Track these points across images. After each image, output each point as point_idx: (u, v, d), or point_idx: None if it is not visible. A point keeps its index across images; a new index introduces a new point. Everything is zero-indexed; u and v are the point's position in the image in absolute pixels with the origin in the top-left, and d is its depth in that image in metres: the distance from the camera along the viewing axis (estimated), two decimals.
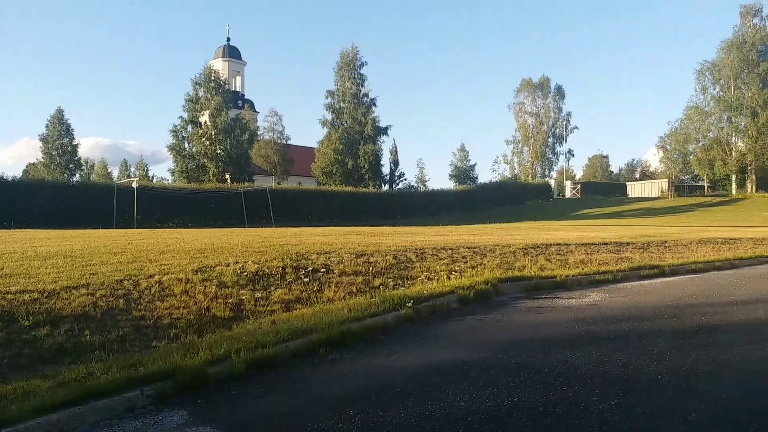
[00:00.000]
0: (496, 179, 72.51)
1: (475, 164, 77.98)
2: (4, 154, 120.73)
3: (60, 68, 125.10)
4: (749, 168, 63.30)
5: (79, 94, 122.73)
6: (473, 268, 11.22)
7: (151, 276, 8.52)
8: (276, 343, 5.72)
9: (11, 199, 26.62)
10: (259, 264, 9.86)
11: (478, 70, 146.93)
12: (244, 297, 8.15)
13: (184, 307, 7.46)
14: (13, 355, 5.50)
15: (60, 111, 59.62)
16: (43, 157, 59.00)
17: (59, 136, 58.63)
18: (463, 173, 72.85)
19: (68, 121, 59.78)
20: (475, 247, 13.58)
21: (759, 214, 44.09)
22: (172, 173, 48.93)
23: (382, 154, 54.56)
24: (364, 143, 51.83)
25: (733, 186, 65.21)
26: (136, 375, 4.60)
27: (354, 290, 9.00)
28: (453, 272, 10.65)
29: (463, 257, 12.24)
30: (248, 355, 5.25)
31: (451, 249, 13.09)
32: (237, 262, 9.90)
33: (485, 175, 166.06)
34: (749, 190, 62.88)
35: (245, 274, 9.19)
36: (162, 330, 6.69)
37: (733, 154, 62.82)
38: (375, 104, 54.01)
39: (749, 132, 60.85)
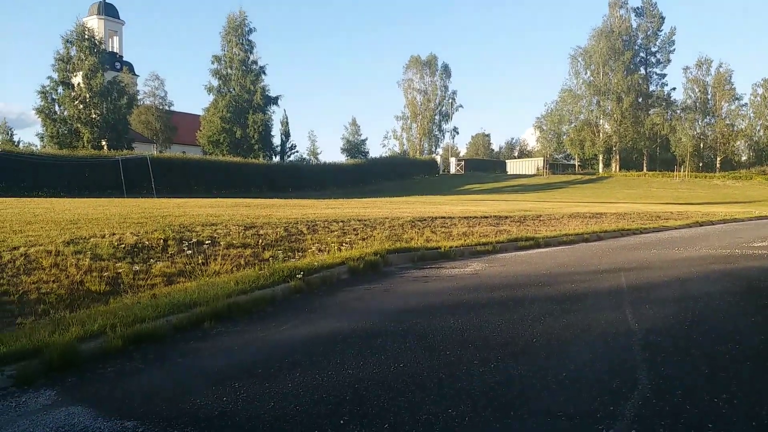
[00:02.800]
0: (387, 154, 73.71)
1: (367, 139, 78.64)
2: None
3: None
4: (614, 149, 69.22)
5: None
6: (363, 240, 11.37)
7: (15, 248, 7.84)
8: (156, 317, 5.46)
9: None
10: (138, 236, 9.34)
11: (371, 45, 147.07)
12: (121, 270, 7.71)
13: (54, 282, 6.94)
14: None
15: None
16: None
17: None
18: (354, 147, 73.16)
19: None
20: (365, 220, 13.74)
21: (621, 191, 48.49)
22: (41, 138, 44.63)
23: (272, 125, 53.38)
24: (253, 112, 50.30)
25: (600, 165, 71.05)
26: None
27: (242, 263, 8.79)
28: (344, 244, 10.72)
29: (354, 230, 12.35)
30: (125, 331, 4.96)
31: (342, 222, 13.16)
32: (114, 234, 9.34)
33: (376, 150, 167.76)
34: (614, 169, 68.85)
35: (123, 246, 8.69)
36: (28, 306, 6.19)
37: (601, 135, 68.31)
38: (265, 72, 52.56)
39: (614, 115, 66.37)
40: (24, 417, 3.52)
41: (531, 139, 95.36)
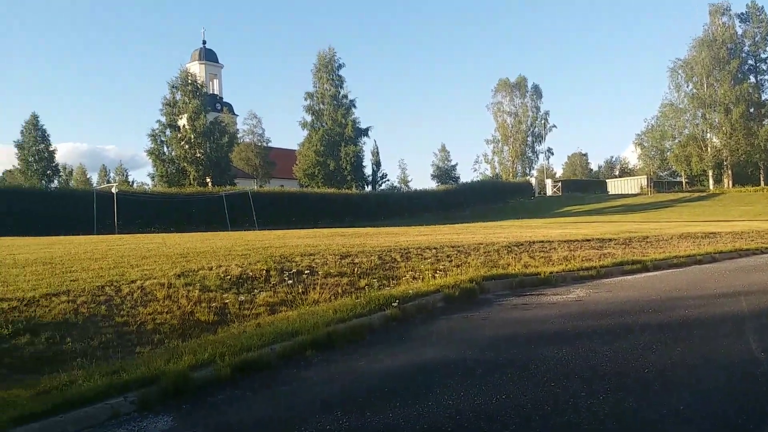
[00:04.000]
0: (478, 178, 72.95)
1: (457, 164, 78.34)
2: None
3: (34, 73, 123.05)
4: (725, 163, 64.40)
5: (55, 100, 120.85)
6: (458, 266, 11.24)
7: (133, 281, 8.40)
8: (261, 346, 5.65)
9: None
10: (242, 267, 9.77)
11: (457, 70, 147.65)
12: (228, 300, 8.06)
13: (167, 312, 7.36)
14: None
15: (35, 117, 58.57)
16: (19, 164, 57.91)
17: (35, 142, 57.58)
18: (444, 173, 73.17)
19: (44, 127, 58.74)
20: (459, 246, 13.61)
21: (736, 208, 44.89)
22: (152, 178, 48.39)
23: (363, 155, 54.53)
24: (345, 145, 51.72)
25: (710, 181, 66.30)
26: (119, 381, 4.52)
27: (339, 291, 8.95)
28: (438, 271, 10.65)
29: (448, 256, 12.26)
30: (233, 359, 5.18)
31: (435, 248, 13.10)
32: (220, 266, 9.80)
33: (467, 174, 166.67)
34: (726, 185, 63.97)
35: (229, 277, 9.10)
36: (145, 335, 6.60)
37: (709, 150, 63.86)
38: (355, 106, 53.98)
39: (723, 128, 61.90)
40: None
41: (632, 156, 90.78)
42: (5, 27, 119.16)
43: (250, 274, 9.45)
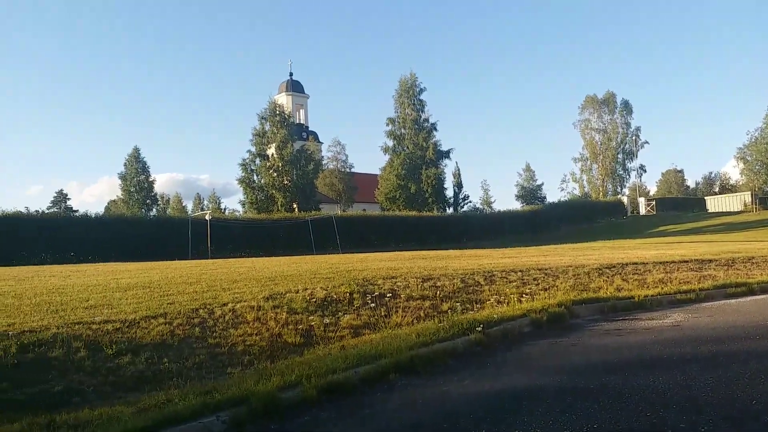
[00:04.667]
0: (566, 198, 70.68)
1: (542, 183, 76.42)
2: (86, 193, 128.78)
3: (135, 110, 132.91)
4: None
5: (154, 133, 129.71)
6: (545, 290, 10.90)
7: (224, 304, 8.76)
8: (346, 368, 5.72)
9: (95, 234, 28.22)
10: (327, 290, 9.96)
11: (539, 88, 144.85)
12: (313, 323, 8.23)
13: (256, 334, 7.61)
14: (99, 383, 5.76)
15: (136, 150, 63.23)
16: (122, 194, 62.53)
17: (136, 173, 62.03)
18: (530, 193, 71.59)
19: (144, 159, 63.28)
20: (546, 269, 13.21)
21: None
22: (243, 205, 50.74)
23: (445, 178, 54.46)
24: (426, 167, 51.93)
25: None
26: (212, 401, 4.71)
27: (422, 315, 8.92)
28: (524, 295, 10.38)
29: (534, 279, 11.92)
30: (319, 381, 5.27)
31: (521, 271, 12.79)
32: (306, 289, 10.05)
33: (553, 194, 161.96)
34: None
35: (314, 300, 9.31)
36: (236, 356, 6.84)
37: None
38: (436, 129, 54.19)
39: None
40: None
41: (733, 171, 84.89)
42: (116, 73, 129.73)
43: (335, 296, 9.62)
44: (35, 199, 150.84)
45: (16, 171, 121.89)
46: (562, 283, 11.58)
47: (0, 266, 18.56)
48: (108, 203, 71.56)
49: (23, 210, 28.51)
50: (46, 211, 37.37)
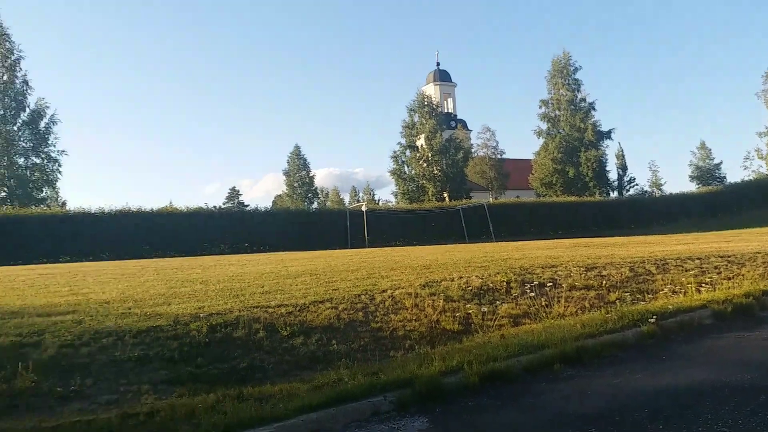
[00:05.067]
0: (750, 177, 62.74)
1: (721, 162, 68.46)
2: (255, 189, 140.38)
3: (296, 110, 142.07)
4: None
5: (313, 131, 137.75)
6: (729, 279, 9.83)
7: (384, 291, 9.05)
8: (507, 357, 5.66)
9: (264, 226, 30.74)
10: (482, 279, 9.88)
11: (711, 59, 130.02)
12: (470, 311, 8.22)
13: (415, 320, 7.79)
14: (277, 361, 6.27)
15: (298, 148, 67.73)
16: (286, 189, 67.37)
17: (298, 169, 66.46)
18: (706, 173, 64.75)
19: (305, 156, 67.56)
20: (729, 256, 11.89)
21: None
22: (395, 195, 52.12)
23: (606, 160, 51.18)
24: (585, 150, 49.22)
25: None
26: (378, 382, 4.92)
27: (586, 305, 8.50)
28: (703, 285, 9.44)
29: (715, 267, 10.79)
30: (480, 368, 5.26)
31: (699, 259, 11.65)
32: (461, 277, 10.06)
33: (735, 173, 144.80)
34: None
35: (470, 288, 9.28)
36: (397, 341, 7.06)
37: None
38: (594, 108, 51.08)
39: None
40: None
41: None
42: (276, 77, 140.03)
43: (491, 285, 9.52)
44: (212, 196, 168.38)
45: (196, 170, 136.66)
46: (749, 271, 10.35)
47: (187, 256, 20.99)
48: (274, 198, 77.44)
49: (203, 206, 31.76)
50: (222, 207, 41.40)
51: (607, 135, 51.17)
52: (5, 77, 35.78)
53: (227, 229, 29.34)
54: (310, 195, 67.02)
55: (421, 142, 49.55)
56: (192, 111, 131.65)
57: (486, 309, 8.34)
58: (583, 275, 10.10)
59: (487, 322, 7.81)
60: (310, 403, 4.50)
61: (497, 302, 8.69)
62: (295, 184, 66.29)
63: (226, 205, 60.04)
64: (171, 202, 41.73)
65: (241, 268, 13.62)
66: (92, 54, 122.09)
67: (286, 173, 67.13)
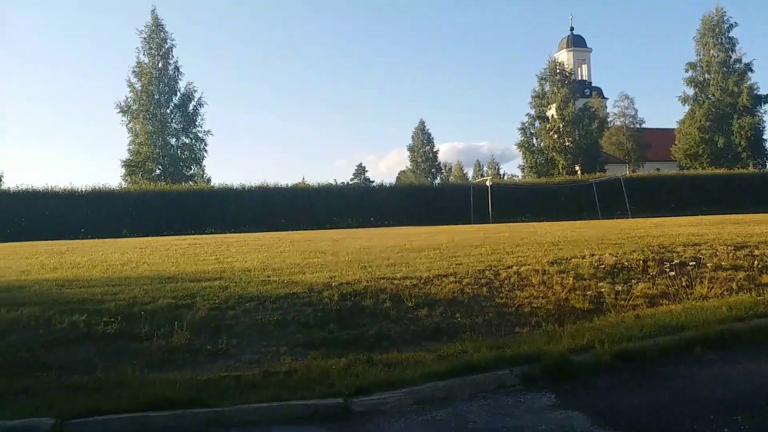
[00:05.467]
0: None
1: None
2: (381, 164, 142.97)
3: (420, 83, 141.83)
4: None
5: (437, 105, 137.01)
6: None
7: (509, 267, 8.95)
8: (642, 337, 5.42)
9: (389, 201, 31.39)
10: (617, 256, 9.43)
11: None
12: (603, 289, 7.90)
13: (542, 297, 7.63)
14: (402, 330, 6.48)
15: (422, 123, 67.94)
16: (410, 164, 68.06)
17: (422, 144, 66.76)
18: None
19: (429, 131, 67.62)
20: None
21: None
22: (522, 169, 50.65)
23: (763, 128, 45.88)
24: (738, 116, 44.44)
25: None
26: (504, 356, 4.94)
27: (733, 287, 7.83)
28: None
29: None
30: (612, 347, 5.09)
31: None
32: (593, 255, 9.66)
33: None
34: None
35: (602, 266, 8.91)
36: (523, 317, 6.97)
37: None
38: (751, 69, 45.82)
39: None
40: (531, 413, 4.03)
41: None
42: (401, 51, 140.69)
43: (625, 264, 9.06)
44: (340, 172, 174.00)
45: (325, 147, 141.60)
46: None
47: (318, 229, 22.03)
48: (399, 173, 78.66)
49: (332, 182, 33.09)
50: (350, 183, 42.91)
51: (766, 100, 45.78)
52: (160, 65, 39.33)
53: (354, 204, 30.35)
54: (433, 170, 67.17)
55: (551, 112, 47.46)
56: (322, 89, 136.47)
57: (620, 288, 7.98)
58: (731, 254, 9.26)
59: (620, 302, 7.48)
60: (437, 371, 4.64)
61: (632, 281, 8.28)
62: (419, 160, 66.73)
63: (353, 181, 62.18)
64: (303, 179, 43.90)
65: (367, 241, 14.08)
66: (229, 37, 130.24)
67: (411, 149, 67.75)
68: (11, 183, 40.76)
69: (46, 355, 5.49)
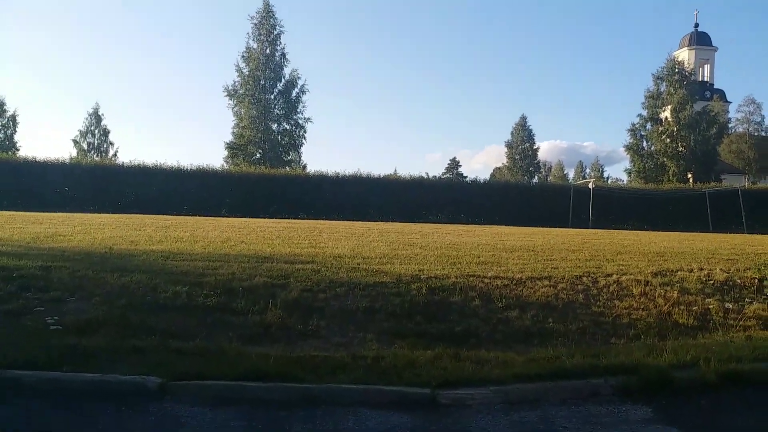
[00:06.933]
0: None
1: None
2: (475, 160, 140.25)
3: (522, 77, 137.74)
4: None
5: (540, 101, 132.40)
6: None
7: (608, 275, 8.58)
8: (753, 359, 5.06)
9: (481, 198, 30.72)
10: (728, 273, 8.81)
11: None
12: (710, 306, 7.41)
13: (643, 309, 7.26)
14: (491, 330, 6.37)
15: (523, 118, 66.02)
16: (507, 161, 66.37)
17: (522, 141, 64.90)
18: None
19: (530, 127, 65.61)
20: None
21: None
22: (628, 173, 47.86)
23: None
24: None
25: None
26: (599, 365, 4.75)
27: None
28: None
29: None
30: (719, 366, 4.77)
31: None
32: (701, 269, 9.09)
33: None
34: None
35: (711, 282, 8.38)
36: (620, 328, 6.66)
37: None
38: None
39: None
40: (625, 424, 3.88)
41: None
42: (500, 42, 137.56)
43: (738, 281, 8.48)
44: (433, 165, 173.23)
45: (419, 139, 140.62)
46: None
47: (406, 222, 22.06)
48: (493, 170, 77.08)
49: (424, 175, 33.01)
50: (442, 176, 42.67)
51: None
52: (268, 51, 40.80)
53: (445, 199, 30.07)
54: (531, 168, 65.21)
55: (666, 114, 44.50)
56: (419, 81, 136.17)
57: (730, 306, 7.46)
58: None
59: (729, 321, 6.99)
60: (527, 373, 4.54)
61: (744, 300, 7.71)
62: (517, 157, 64.97)
63: (445, 176, 61.40)
64: (395, 170, 44.31)
65: (457, 237, 13.97)
66: (331, 25, 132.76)
67: (509, 145, 66.10)
68: (125, 158, 44.00)
69: (151, 320, 5.90)
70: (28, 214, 16.57)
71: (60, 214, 17.22)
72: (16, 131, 44.12)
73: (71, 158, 30.61)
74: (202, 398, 4.15)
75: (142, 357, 4.79)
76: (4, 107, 43.38)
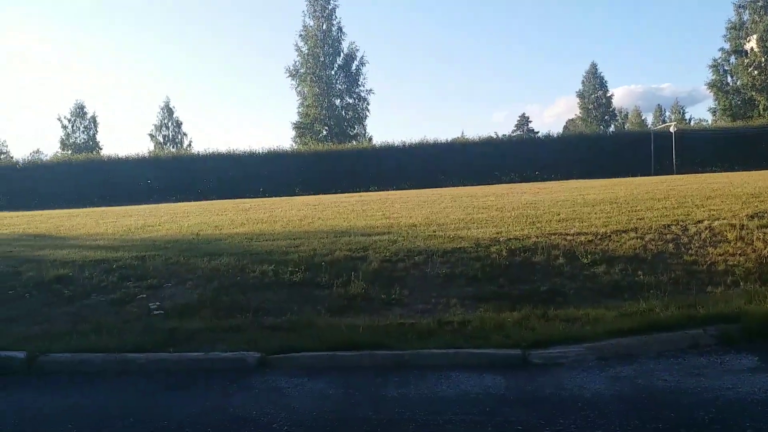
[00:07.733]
0: None
1: None
2: (545, 114, 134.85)
3: (592, 24, 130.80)
4: None
5: (610, 45, 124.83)
6: None
7: (699, 221, 8.19)
8: None
9: (555, 153, 29.72)
10: None
11: None
12: None
13: (740, 254, 6.88)
14: (577, 287, 6.24)
15: (594, 66, 62.80)
16: (580, 112, 63.62)
17: (594, 90, 61.94)
18: None
19: (601, 75, 62.40)
20: None
21: None
22: (713, 113, 44.79)
23: None
24: None
25: None
26: (696, 315, 4.57)
27: None
28: None
29: None
30: None
31: None
32: None
33: None
34: None
35: None
36: (716, 276, 6.36)
37: None
38: None
39: None
40: (729, 374, 3.73)
41: None
42: None
43: None
44: (500, 124, 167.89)
45: (484, 99, 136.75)
46: None
47: (478, 185, 21.77)
48: (566, 122, 74.13)
49: (493, 135, 32.24)
50: (512, 135, 41.56)
51: None
52: (324, 26, 40.92)
53: (517, 158, 29.35)
54: (606, 117, 62.25)
55: (751, 45, 41.07)
56: (476, 38, 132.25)
57: None
58: None
59: None
60: (620, 328, 4.44)
61: None
62: (590, 107, 62.16)
63: (515, 133, 59.82)
64: (462, 133, 43.56)
65: (534, 196, 13.66)
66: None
67: (580, 95, 63.28)
68: (199, 147, 45.73)
69: (243, 299, 6.19)
70: (118, 208, 17.64)
71: (146, 206, 18.25)
72: (97, 131, 46.89)
73: (149, 152, 32.21)
74: (299, 369, 4.35)
75: (239, 335, 5.05)
76: (84, 110, 46.15)
